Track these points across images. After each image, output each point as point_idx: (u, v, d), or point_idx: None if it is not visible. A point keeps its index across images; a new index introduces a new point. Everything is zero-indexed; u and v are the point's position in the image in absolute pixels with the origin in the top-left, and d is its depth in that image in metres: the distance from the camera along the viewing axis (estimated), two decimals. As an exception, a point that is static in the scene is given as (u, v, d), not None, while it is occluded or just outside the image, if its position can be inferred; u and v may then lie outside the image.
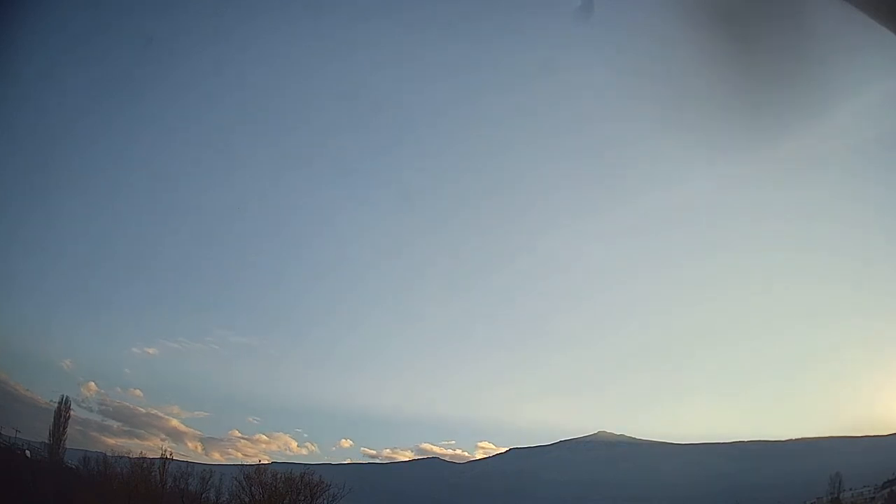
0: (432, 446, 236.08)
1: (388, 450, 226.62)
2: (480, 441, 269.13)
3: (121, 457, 58.05)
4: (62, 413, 67.31)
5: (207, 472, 58.50)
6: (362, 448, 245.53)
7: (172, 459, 56.73)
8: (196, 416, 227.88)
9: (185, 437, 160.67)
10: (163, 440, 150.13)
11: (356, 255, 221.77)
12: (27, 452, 64.34)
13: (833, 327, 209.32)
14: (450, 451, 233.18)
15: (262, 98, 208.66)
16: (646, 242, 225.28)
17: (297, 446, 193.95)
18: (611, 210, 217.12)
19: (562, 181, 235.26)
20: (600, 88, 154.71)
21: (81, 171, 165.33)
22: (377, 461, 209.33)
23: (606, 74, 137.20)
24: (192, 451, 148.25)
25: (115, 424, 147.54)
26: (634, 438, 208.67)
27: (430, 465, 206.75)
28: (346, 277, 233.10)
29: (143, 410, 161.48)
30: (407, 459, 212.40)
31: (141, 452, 56.90)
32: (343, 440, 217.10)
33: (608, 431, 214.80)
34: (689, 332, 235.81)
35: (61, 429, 66.15)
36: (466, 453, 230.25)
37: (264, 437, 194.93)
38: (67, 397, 70.08)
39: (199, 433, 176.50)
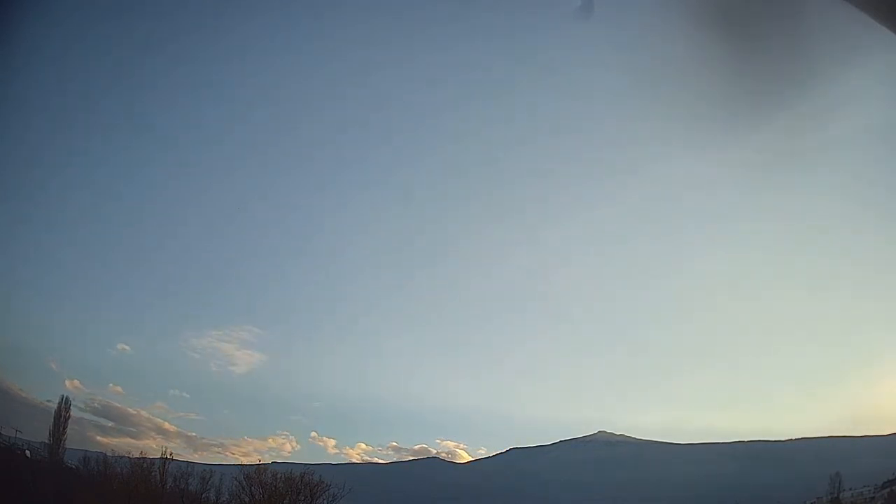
0: (428, 446, 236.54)
1: (354, 446, 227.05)
2: (440, 438, 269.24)
3: (121, 457, 58.08)
4: (62, 413, 67.34)
5: (207, 472, 58.48)
6: (352, 446, 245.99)
7: (172, 459, 56.67)
8: (183, 416, 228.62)
9: (174, 437, 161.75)
10: (153, 439, 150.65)
11: (349, 254, 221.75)
12: (27, 452, 64.31)
13: (833, 328, 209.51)
14: (423, 447, 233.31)
15: (258, 97, 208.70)
16: (647, 242, 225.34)
17: (276, 443, 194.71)
18: (610, 209, 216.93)
19: (561, 180, 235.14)
20: (596, 87, 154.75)
21: (71, 174, 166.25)
22: (377, 461, 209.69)
23: (602, 73, 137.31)
24: (178, 450, 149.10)
25: (103, 422, 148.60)
26: (634, 438, 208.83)
27: (430, 465, 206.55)
28: (342, 276, 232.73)
29: (132, 411, 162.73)
30: (406, 459, 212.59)
31: (141, 452, 56.93)
32: (330, 438, 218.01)
33: (608, 431, 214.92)
34: (689, 332, 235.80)
35: (61, 429, 66.12)
36: (451, 454, 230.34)
37: (246, 438, 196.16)
38: (67, 397, 70.19)
39: (186, 432, 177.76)
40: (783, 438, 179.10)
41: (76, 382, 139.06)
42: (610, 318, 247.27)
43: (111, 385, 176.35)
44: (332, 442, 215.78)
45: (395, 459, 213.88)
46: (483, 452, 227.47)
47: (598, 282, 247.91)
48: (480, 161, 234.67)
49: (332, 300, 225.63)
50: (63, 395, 71.01)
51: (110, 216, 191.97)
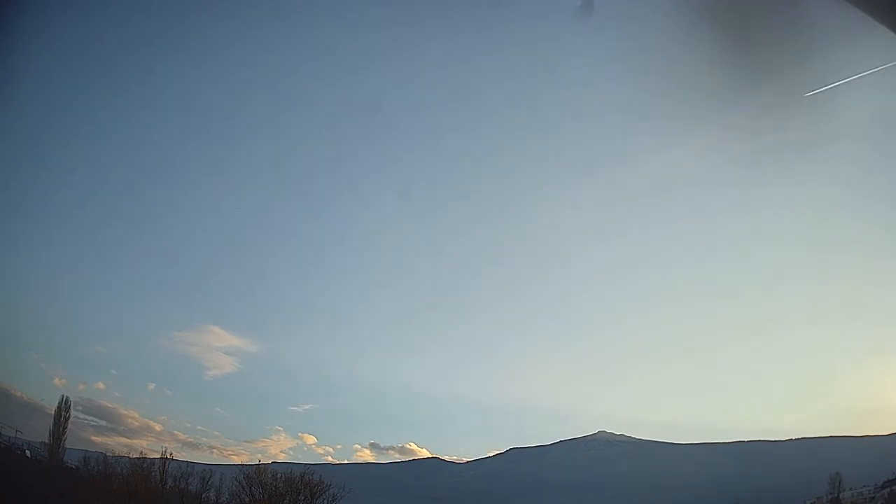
0: (428, 446, 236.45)
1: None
2: (440, 437, 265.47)
3: (121, 457, 58.09)
4: (62, 413, 67.31)
5: (207, 472, 58.41)
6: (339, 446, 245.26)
7: (172, 459, 56.58)
8: (173, 416, 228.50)
9: (164, 436, 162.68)
10: (145, 438, 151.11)
11: (342, 250, 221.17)
12: (27, 452, 64.32)
13: (833, 327, 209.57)
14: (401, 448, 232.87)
15: (257, 97, 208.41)
16: (648, 240, 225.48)
17: (265, 444, 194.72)
18: (611, 204, 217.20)
19: (561, 174, 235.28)
20: (593, 85, 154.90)
21: (63, 174, 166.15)
22: (378, 461, 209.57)
23: (598, 71, 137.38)
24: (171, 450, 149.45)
25: (96, 421, 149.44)
26: (634, 438, 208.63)
27: (431, 465, 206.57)
28: (329, 273, 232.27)
29: (124, 411, 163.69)
30: (407, 459, 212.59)
31: (141, 452, 56.89)
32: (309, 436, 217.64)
33: (608, 431, 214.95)
34: (689, 332, 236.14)
35: (61, 429, 66.10)
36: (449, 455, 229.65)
37: (235, 439, 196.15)
38: (67, 398, 70.20)
39: (175, 433, 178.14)
40: (783, 438, 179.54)
41: (64, 381, 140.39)
42: (611, 318, 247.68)
43: (95, 383, 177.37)
44: (325, 443, 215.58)
45: (394, 459, 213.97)
46: (483, 452, 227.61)
47: (599, 281, 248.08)
48: (474, 156, 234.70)
49: (319, 297, 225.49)
50: (63, 396, 71.27)
51: (97, 217, 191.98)
